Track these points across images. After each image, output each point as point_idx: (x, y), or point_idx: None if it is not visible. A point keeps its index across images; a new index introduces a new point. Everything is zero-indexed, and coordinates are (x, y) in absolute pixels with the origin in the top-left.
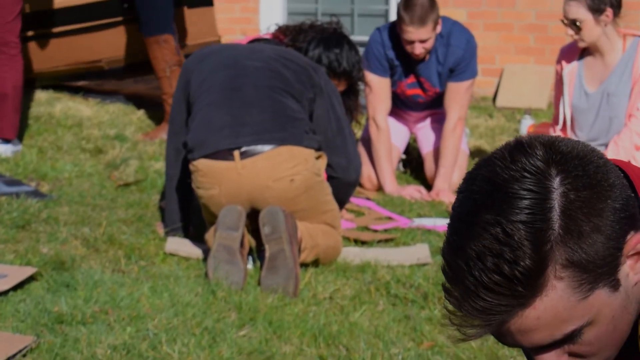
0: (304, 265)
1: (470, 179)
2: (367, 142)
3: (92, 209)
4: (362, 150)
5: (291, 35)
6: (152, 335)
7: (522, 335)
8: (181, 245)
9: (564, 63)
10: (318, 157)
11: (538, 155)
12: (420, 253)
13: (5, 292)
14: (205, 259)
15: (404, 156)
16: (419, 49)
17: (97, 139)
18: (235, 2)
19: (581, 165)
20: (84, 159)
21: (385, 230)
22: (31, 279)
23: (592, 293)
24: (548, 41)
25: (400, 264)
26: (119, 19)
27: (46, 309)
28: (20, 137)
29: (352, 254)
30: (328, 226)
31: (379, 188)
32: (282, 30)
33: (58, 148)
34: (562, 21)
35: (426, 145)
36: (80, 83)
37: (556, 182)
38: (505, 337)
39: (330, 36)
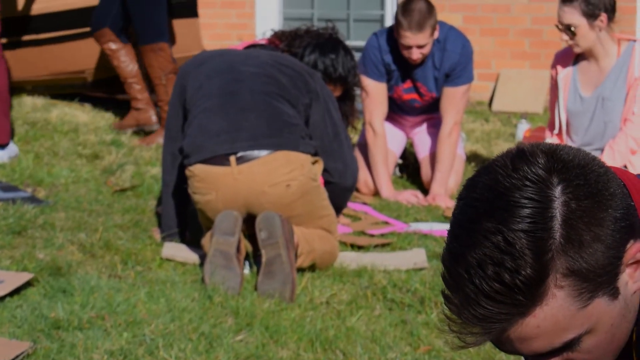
0: (301, 270)
1: (471, 186)
2: (363, 147)
3: (88, 214)
4: (358, 155)
5: (287, 40)
6: (148, 340)
7: (521, 343)
8: (178, 251)
9: (559, 68)
10: (314, 163)
11: (540, 163)
12: (417, 258)
13: (2, 298)
14: (201, 264)
15: (400, 161)
16: (416, 54)
17: (94, 144)
18: (232, 7)
19: (582, 174)
20: (80, 164)
21: (382, 235)
22: (27, 284)
23: (592, 302)
24: (543, 46)
25: (397, 268)
26: None
27: (43, 314)
28: (16, 143)
29: (349, 259)
30: (324, 231)
31: (376, 193)
32: (278, 36)
33: (54, 154)
34: (557, 26)
35: (422, 150)
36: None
37: (558, 190)
38: (504, 345)
39: (325, 42)
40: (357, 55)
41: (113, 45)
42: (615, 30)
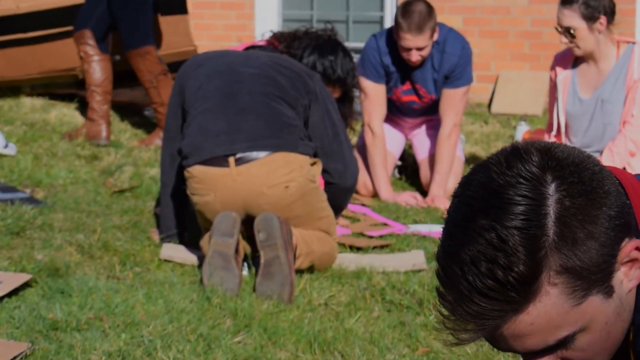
0: (299, 271)
1: (465, 183)
2: (362, 148)
3: (87, 215)
4: (357, 156)
5: (286, 42)
6: (147, 341)
7: (515, 341)
8: (176, 252)
9: (558, 69)
10: (313, 164)
11: (534, 161)
12: (416, 259)
13: (0, 299)
14: (200, 266)
15: (399, 162)
16: (415, 56)
17: (92, 145)
18: (231, 8)
19: (577, 172)
20: (79, 165)
21: (381, 237)
22: (26, 285)
23: (586, 299)
24: (543, 47)
25: (396, 270)
26: None
27: (41, 315)
28: (15, 144)
29: (348, 260)
30: (323, 232)
31: (375, 194)
32: (277, 37)
33: (53, 154)
34: (557, 29)
35: (421, 152)
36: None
37: (551, 188)
38: (498, 342)
39: (324, 43)
40: (356, 57)
41: (89, 50)
42: (614, 32)
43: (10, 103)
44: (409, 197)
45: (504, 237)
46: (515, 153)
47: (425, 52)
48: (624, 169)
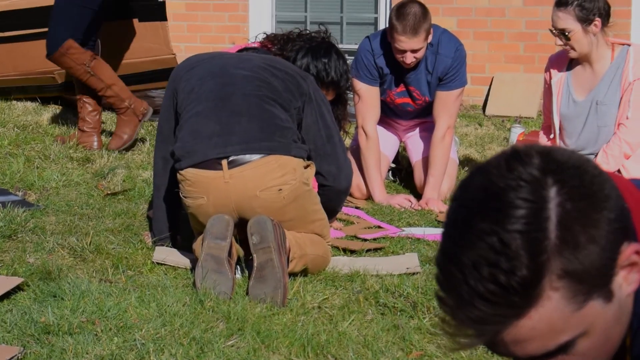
0: (293, 274)
1: (465, 186)
2: (356, 151)
3: (79, 218)
4: (351, 159)
5: (279, 44)
6: (139, 345)
7: (515, 346)
8: (169, 255)
9: (552, 71)
10: (307, 167)
11: (534, 164)
12: (410, 262)
13: None
14: (193, 269)
15: (393, 165)
16: (410, 59)
17: (85, 148)
18: (225, 10)
19: (578, 175)
20: (71, 168)
21: (375, 240)
22: (18, 289)
23: (587, 304)
24: (538, 49)
25: (390, 273)
26: None
27: (33, 319)
28: (7, 146)
29: (341, 263)
30: (317, 235)
31: (369, 197)
32: (270, 39)
33: (45, 157)
34: (551, 31)
35: (416, 154)
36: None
37: (553, 191)
38: (498, 347)
39: (318, 45)
40: (350, 59)
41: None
42: (609, 34)
43: (2, 105)
44: (403, 200)
45: (505, 240)
46: (515, 156)
47: (419, 55)
48: (619, 171)
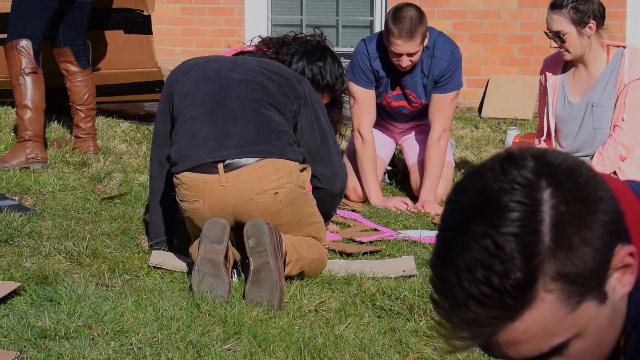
0: (289, 278)
1: (459, 189)
2: (352, 153)
3: (75, 222)
4: (347, 162)
5: (275, 47)
6: (136, 349)
7: (509, 348)
8: (165, 259)
9: (548, 73)
10: (302, 170)
11: (529, 167)
12: (406, 265)
13: None
14: (189, 273)
15: (389, 168)
16: (406, 62)
17: (81, 152)
18: (220, 14)
19: (572, 178)
20: (68, 172)
21: (371, 242)
22: (14, 293)
23: (581, 306)
24: (533, 52)
25: (386, 276)
26: None
27: (29, 323)
28: (3, 151)
29: (338, 266)
30: (313, 239)
31: (365, 200)
32: (266, 43)
33: None
34: (546, 33)
35: (412, 157)
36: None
37: (547, 194)
38: (492, 349)
39: (313, 49)
40: (346, 62)
41: (70, 67)
42: (604, 36)
43: None
44: (399, 203)
45: (499, 243)
46: (509, 159)
47: (415, 58)
48: (615, 173)
